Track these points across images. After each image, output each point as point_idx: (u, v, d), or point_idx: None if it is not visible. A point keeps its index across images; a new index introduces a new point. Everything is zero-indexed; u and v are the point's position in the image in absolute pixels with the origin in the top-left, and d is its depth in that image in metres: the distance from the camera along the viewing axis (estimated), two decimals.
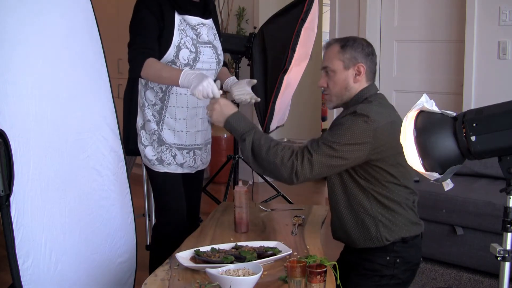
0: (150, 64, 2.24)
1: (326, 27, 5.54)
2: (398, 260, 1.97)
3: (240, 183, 2.23)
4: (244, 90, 2.44)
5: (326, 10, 5.69)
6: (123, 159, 2.32)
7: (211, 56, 2.41)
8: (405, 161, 1.45)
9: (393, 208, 1.96)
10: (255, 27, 4.55)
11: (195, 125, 2.45)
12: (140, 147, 2.41)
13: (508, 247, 1.35)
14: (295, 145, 1.90)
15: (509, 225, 1.35)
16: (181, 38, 2.31)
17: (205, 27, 2.40)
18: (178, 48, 2.30)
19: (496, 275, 2.22)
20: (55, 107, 2.00)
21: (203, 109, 2.45)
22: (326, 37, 5.57)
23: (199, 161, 2.52)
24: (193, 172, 2.53)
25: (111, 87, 2.29)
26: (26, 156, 1.85)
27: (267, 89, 3.29)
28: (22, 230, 1.81)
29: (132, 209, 2.37)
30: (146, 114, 2.40)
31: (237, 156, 4.14)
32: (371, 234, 1.97)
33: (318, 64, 5.88)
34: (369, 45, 2.06)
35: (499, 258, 1.36)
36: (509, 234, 1.35)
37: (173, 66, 2.30)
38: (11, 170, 1.76)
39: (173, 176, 2.45)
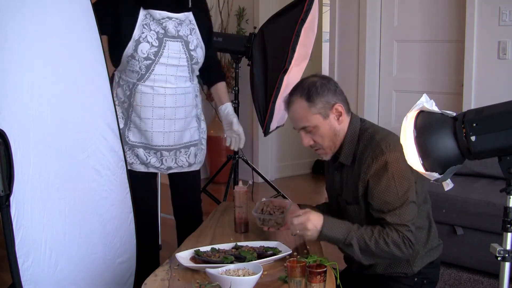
0: None
1: (326, 27, 5.54)
2: (425, 281, 1.95)
3: (240, 183, 2.23)
4: (234, 132, 2.57)
5: (326, 10, 5.69)
6: (123, 159, 2.32)
7: (179, 52, 2.38)
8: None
9: (421, 237, 1.92)
10: (255, 27, 4.55)
11: (163, 125, 2.43)
12: None
13: (508, 247, 1.35)
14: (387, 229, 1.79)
15: (509, 225, 1.35)
16: (142, 33, 2.31)
17: (173, 21, 2.36)
18: (137, 42, 2.31)
19: (496, 275, 2.22)
20: (55, 107, 2.00)
21: (171, 110, 2.43)
22: (326, 37, 5.56)
23: (171, 163, 2.49)
24: (165, 173, 2.53)
25: (111, 87, 2.29)
26: (26, 156, 1.85)
27: (267, 89, 3.29)
28: (22, 230, 1.81)
29: (132, 209, 2.37)
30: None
31: (237, 156, 4.14)
32: (401, 269, 1.93)
33: (318, 64, 5.92)
34: (329, 79, 1.93)
35: (499, 258, 1.36)
36: (509, 234, 1.35)
37: (133, 60, 2.32)
38: (11, 170, 1.76)
39: (140, 173, 2.47)
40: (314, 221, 1.81)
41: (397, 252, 1.77)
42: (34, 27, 1.93)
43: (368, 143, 1.87)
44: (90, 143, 2.17)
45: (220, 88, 2.67)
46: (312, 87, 1.87)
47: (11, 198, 1.76)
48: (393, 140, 1.84)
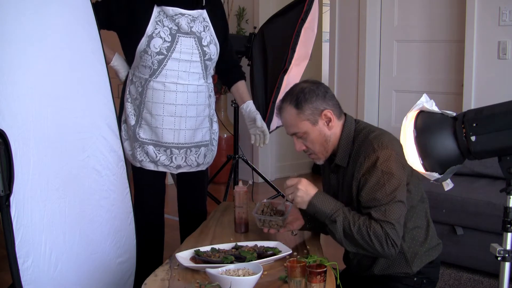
0: None
1: (326, 27, 5.54)
2: (425, 281, 1.95)
3: (240, 183, 2.23)
4: (258, 128, 2.60)
5: (326, 10, 5.69)
6: (123, 159, 2.32)
7: (191, 47, 2.39)
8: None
9: (419, 236, 1.92)
10: (255, 27, 4.55)
11: (173, 122, 2.43)
12: (121, 140, 2.45)
13: (508, 247, 1.35)
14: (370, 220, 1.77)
15: (509, 225, 1.35)
16: (155, 29, 2.34)
17: (186, 18, 2.38)
18: (150, 38, 2.33)
19: (496, 275, 2.22)
20: (55, 107, 2.00)
21: (182, 107, 2.43)
22: (326, 37, 5.56)
23: (180, 161, 2.48)
24: (174, 172, 2.52)
25: (111, 87, 2.29)
26: (26, 156, 1.85)
27: (267, 89, 3.30)
28: (22, 230, 1.81)
29: (132, 209, 2.37)
30: (127, 108, 2.45)
31: (237, 156, 4.14)
32: (400, 269, 1.92)
33: (318, 64, 5.91)
34: (318, 84, 1.92)
35: (499, 258, 1.36)
36: (509, 234, 1.35)
37: (145, 55, 2.35)
38: (11, 170, 1.76)
39: (149, 172, 2.47)
40: (306, 186, 1.85)
41: (378, 246, 1.74)
42: (34, 27, 1.93)
43: (362, 143, 1.88)
44: (90, 143, 2.17)
45: (241, 87, 2.70)
46: (300, 94, 1.89)
47: (11, 198, 1.77)
48: (386, 138, 1.85)
